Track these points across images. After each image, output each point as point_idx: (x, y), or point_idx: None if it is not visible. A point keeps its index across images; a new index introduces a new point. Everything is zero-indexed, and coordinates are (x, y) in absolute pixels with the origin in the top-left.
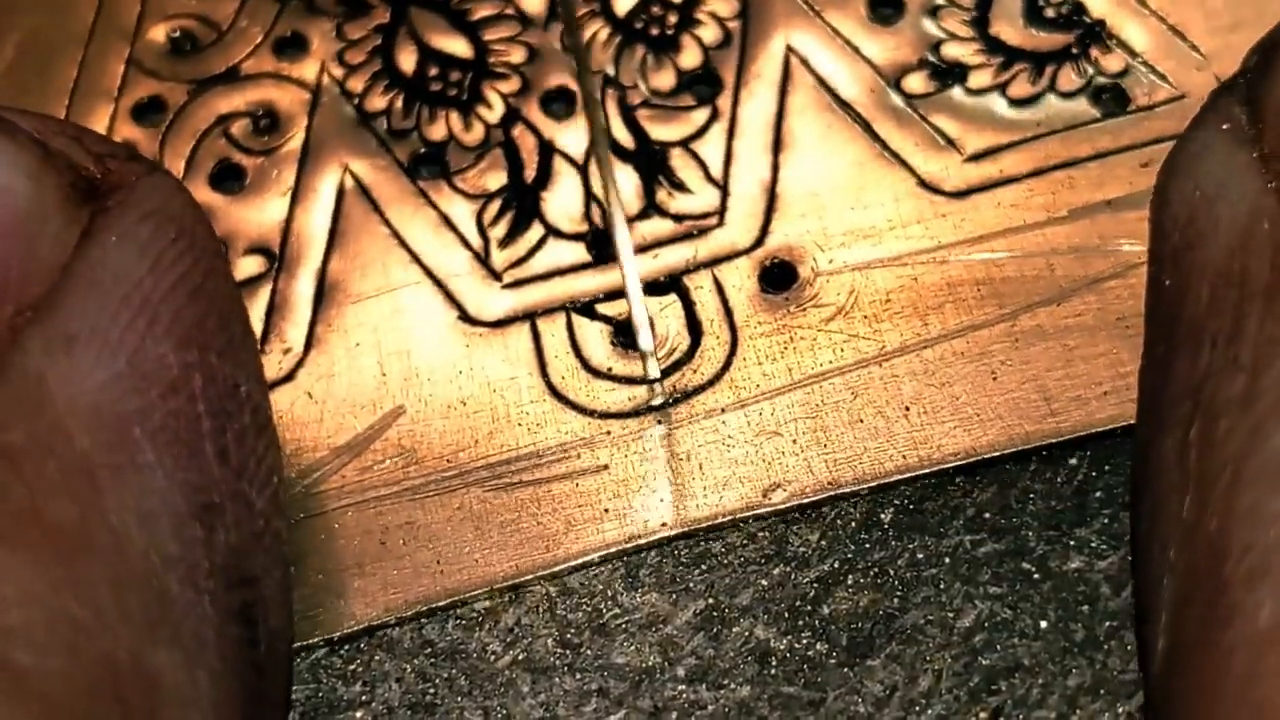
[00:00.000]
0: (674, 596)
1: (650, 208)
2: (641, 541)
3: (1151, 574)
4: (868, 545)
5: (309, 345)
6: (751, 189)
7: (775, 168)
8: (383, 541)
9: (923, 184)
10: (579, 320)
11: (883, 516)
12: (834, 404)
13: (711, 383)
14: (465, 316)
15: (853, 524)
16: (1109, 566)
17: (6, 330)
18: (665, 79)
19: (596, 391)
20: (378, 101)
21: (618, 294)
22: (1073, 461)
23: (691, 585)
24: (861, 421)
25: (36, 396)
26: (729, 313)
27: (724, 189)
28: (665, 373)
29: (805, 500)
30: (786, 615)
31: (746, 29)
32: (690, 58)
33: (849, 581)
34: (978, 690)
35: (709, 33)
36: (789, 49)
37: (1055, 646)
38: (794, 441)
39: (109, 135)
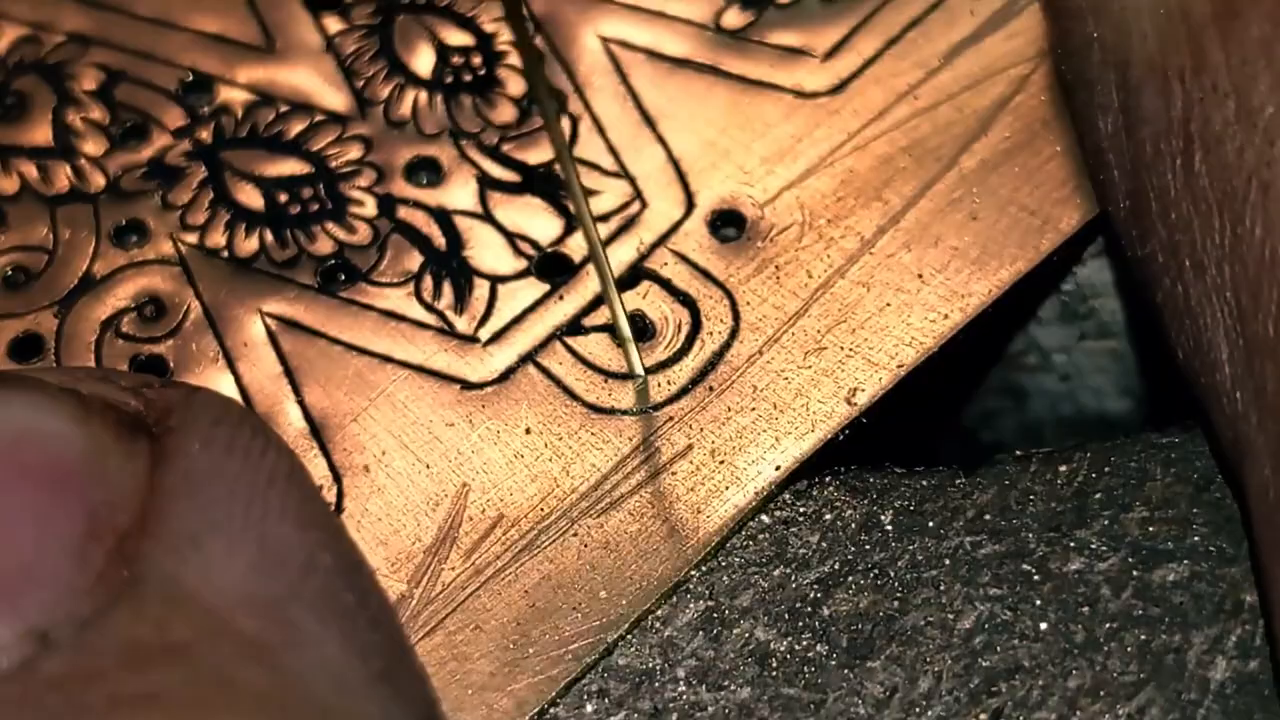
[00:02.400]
0: (674, 597)
1: (571, 222)
2: (771, 493)
3: (1185, 322)
4: (868, 547)
5: (338, 475)
6: (653, 166)
7: (661, 140)
8: (532, 604)
9: (800, 95)
10: (575, 341)
11: (883, 518)
12: (854, 302)
13: (733, 336)
14: (467, 385)
15: (853, 525)
16: (1109, 568)
17: (120, 553)
18: (506, 113)
19: (639, 388)
20: (248, 245)
21: (595, 303)
22: (1073, 463)
23: (691, 586)
24: (889, 305)
25: (182, 596)
26: (707, 274)
27: (627, 176)
28: (685, 347)
29: (885, 392)
30: (787, 616)
31: (551, 41)
32: (516, 86)
33: (849, 583)
34: (978, 691)
35: (519, 59)
36: (603, 39)
37: (1055, 648)
38: (841, 348)
39: None
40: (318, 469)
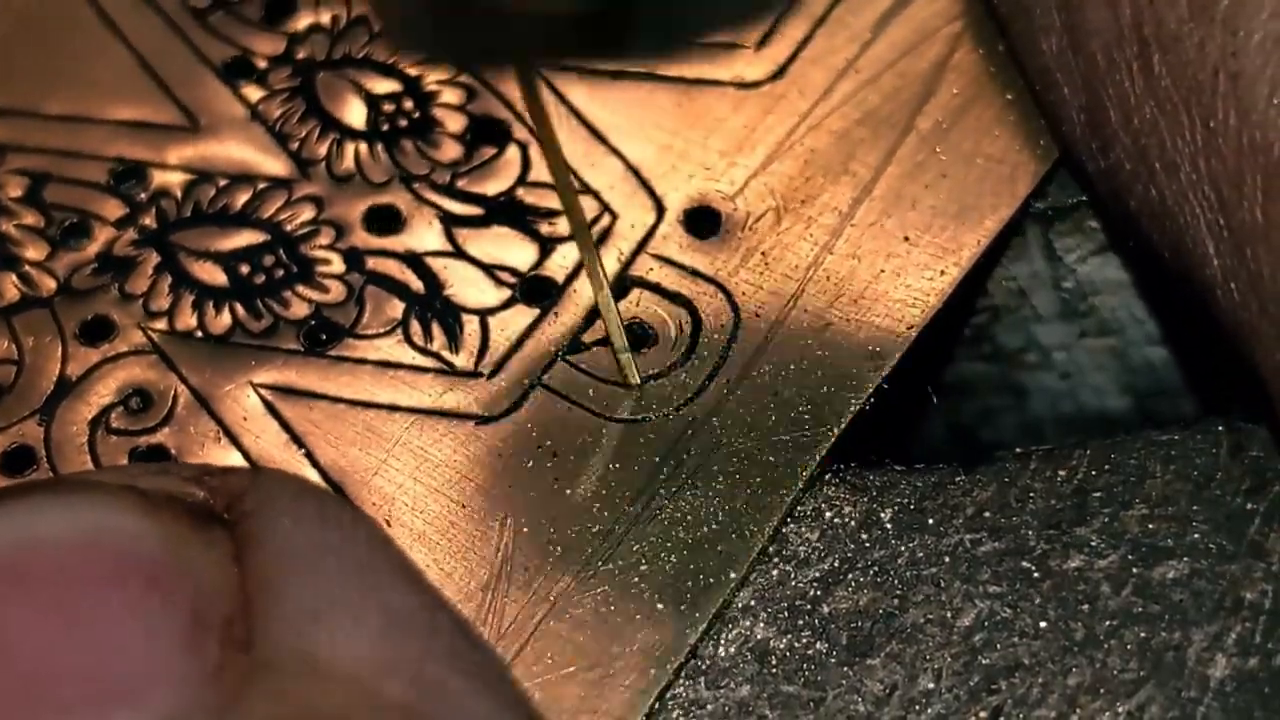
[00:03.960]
0: None
1: (544, 243)
2: (816, 474)
3: (1170, 223)
4: (867, 544)
5: None
6: (614, 178)
7: (615, 151)
8: (603, 621)
9: (742, 86)
10: (579, 359)
11: (882, 516)
12: (847, 274)
13: (737, 327)
14: (482, 419)
15: (852, 523)
16: (1109, 565)
17: (232, 638)
18: (451, 150)
19: (656, 392)
20: (221, 322)
21: (590, 319)
22: (1073, 461)
23: None
24: (883, 271)
25: (318, 668)
26: (695, 272)
27: (590, 191)
28: (691, 346)
29: (907, 348)
30: (786, 614)
31: (479, 74)
32: (454, 122)
33: (849, 580)
34: (977, 689)
35: (451, 95)
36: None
37: (1055, 645)
38: (847, 320)
39: None
40: None
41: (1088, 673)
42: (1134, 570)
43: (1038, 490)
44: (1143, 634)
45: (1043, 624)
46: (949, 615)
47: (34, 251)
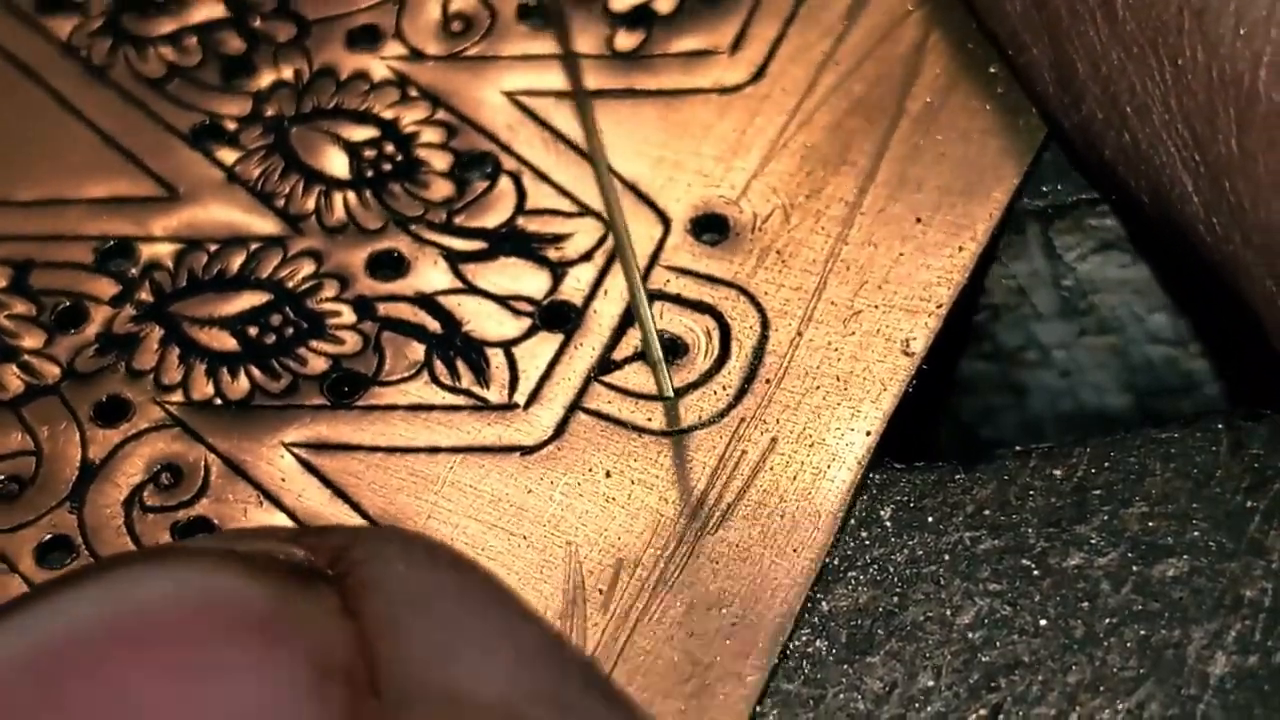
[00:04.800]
0: None
1: (554, 268)
2: (870, 460)
3: (1155, 179)
4: (867, 542)
5: None
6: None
7: (610, 170)
8: (690, 632)
9: (725, 91)
10: (613, 378)
11: (882, 513)
12: (867, 261)
13: (765, 327)
14: (526, 450)
15: (852, 520)
16: (1109, 563)
17: (362, 682)
18: (442, 189)
19: (698, 401)
20: (239, 387)
21: (616, 337)
22: (1072, 459)
23: None
24: (901, 255)
25: (460, 701)
26: (712, 278)
27: (591, 213)
28: (724, 351)
29: (940, 327)
30: None
31: (458, 111)
32: (440, 161)
33: (848, 578)
34: (977, 687)
35: (432, 135)
36: (508, 95)
37: (1055, 643)
38: (875, 307)
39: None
40: None
41: (1088, 670)
42: (1134, 568)
43: (1038, 488)
44: (1143, 632)
45: (1042, 622)
46: (949, 613)
47: (31, 340)
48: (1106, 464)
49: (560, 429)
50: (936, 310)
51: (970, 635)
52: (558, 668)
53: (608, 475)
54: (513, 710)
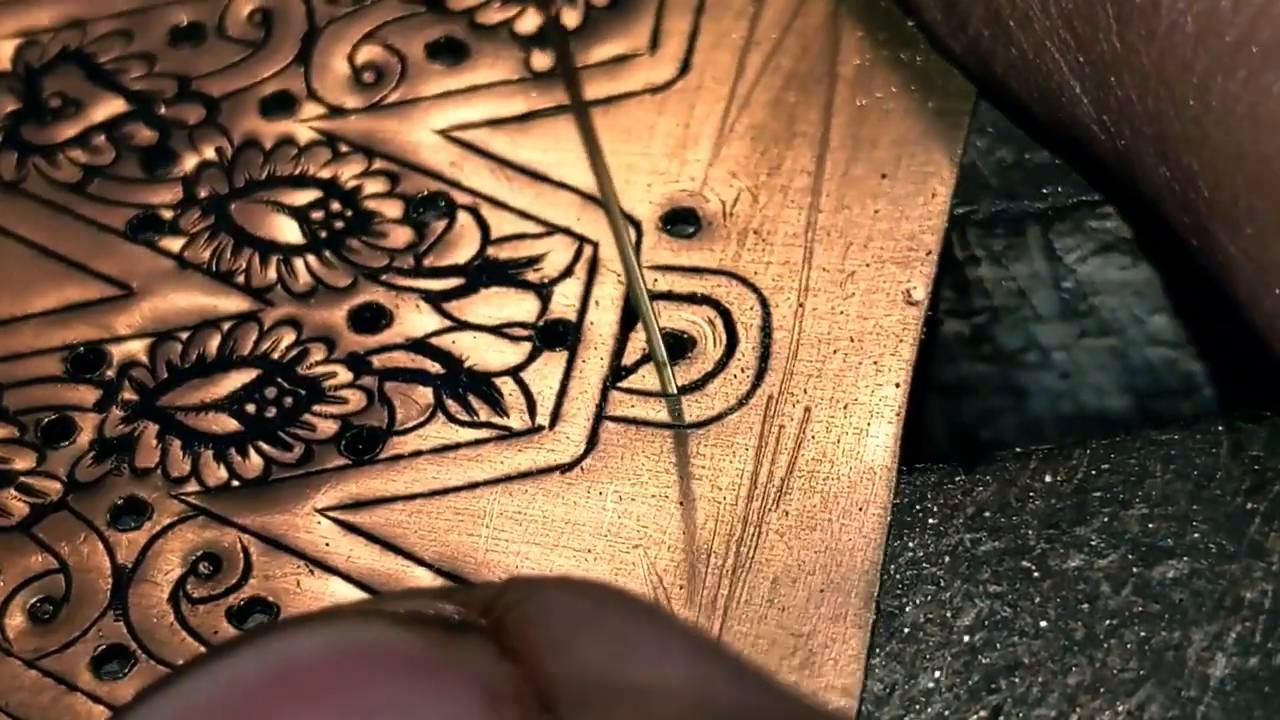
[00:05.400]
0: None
1: (539, 289)
2: (907, 407)
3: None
4: None
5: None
6: (574, 210)
7: (563, 185)
8: (781, 609)
9: (656, 90)
10: (629, 383)
11: None
12: (845, 223)
13: (765, 305)
14: (564, 468)
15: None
16: (1109, 565)
17: (533, 700)
18: (401, 236)
19: (721, 387)
20: (253, 465)
21: (621, 344)
22: (1073, 460)
23: None
24: (877, 211)
25: (636, 691)
26: (698, 269)
27: (559, 229)
28: (731, 337)
29: (937, 269)
30: None
31: (396, 158)
32: (392, 209)
33: None
34: (977, 688)
35: (376, 185)
36: (441, 133)
37: (1055, 645)
38: (867, 264)
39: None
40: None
41: (1088, 672)
42: (1134, 570)
43: (1038, 490)
44: (1143, 633)
45: (1043, 623)
46: (949, 614)
47: (22, 461)
48: (1106, 466)
49: (591, 441)
50: (928, 257)
51: (970, 637)
52: (731, 665)
53: (653, 475)
54: (702, 694)
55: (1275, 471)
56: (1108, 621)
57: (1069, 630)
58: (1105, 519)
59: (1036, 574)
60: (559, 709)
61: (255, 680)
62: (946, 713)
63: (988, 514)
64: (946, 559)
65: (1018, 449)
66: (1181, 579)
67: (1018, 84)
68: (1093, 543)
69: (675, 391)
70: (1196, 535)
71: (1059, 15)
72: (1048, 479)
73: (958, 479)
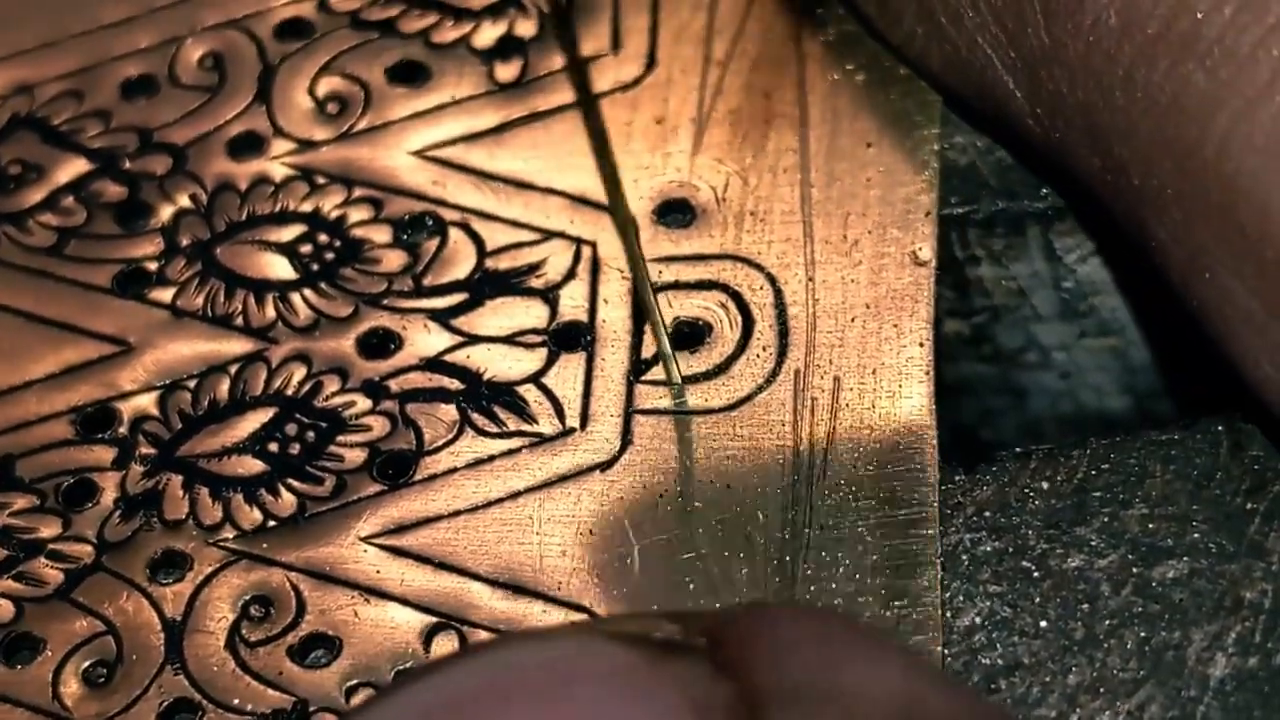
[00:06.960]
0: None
1: (545, 295)
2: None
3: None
4: None
5: (583, 607)
6: (566, 213)
7: (549, 190)
8: (852, 566)
9: (626, 88)
10: (651, 374)
11: None
12: (841, 194)
13: (774, 284)
14: (604, 466)
15: None
16: (1109, 565)
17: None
18: (395, 259)
19: (747, 369)
20: (285, 504)
21: (637, 339)
22: (1073, 460)
23: None
24: (869, 179)
25: (849, 692)
26: (700, 256)
27: (554, 234)
28: (746, 319)
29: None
30: None
31: (376, 184)
32: (380, 235)
33: None
34: (977, 688)
35: (360, 213)
36: (417, 155)
37: (1055, 645)
38: (869, 231)
39: None
40: (555, 618)
41: (1088, 672)
42: (1134, 570)
43: (1038, 490)
44: (1143, 633)
45: (1043, 623)
46: (949, 614)
47: (48, 529)
48: (1106, 466)
49: (626, 437)
50: (927, 217)
51: (970, 637)
52: (942, 680)
53: (696, 464)
54: (911, 701)
55: (1275, 471)
56: (1108, 621)
57: (1069, 630)
58: (1105, 519)
59: (1036, 574)
60: (768, 709)
61: (470, 687)
62: None
63: (988, 514)
64: (946, 559)
65: (1018, 449)
66: (1181, 579)
67: (955, 79)
68: (1093, 543)
69: (679, 381)
70: (1196, 535)
71: (989, 11)
72: (1048, 479)
73: (958, 479)
